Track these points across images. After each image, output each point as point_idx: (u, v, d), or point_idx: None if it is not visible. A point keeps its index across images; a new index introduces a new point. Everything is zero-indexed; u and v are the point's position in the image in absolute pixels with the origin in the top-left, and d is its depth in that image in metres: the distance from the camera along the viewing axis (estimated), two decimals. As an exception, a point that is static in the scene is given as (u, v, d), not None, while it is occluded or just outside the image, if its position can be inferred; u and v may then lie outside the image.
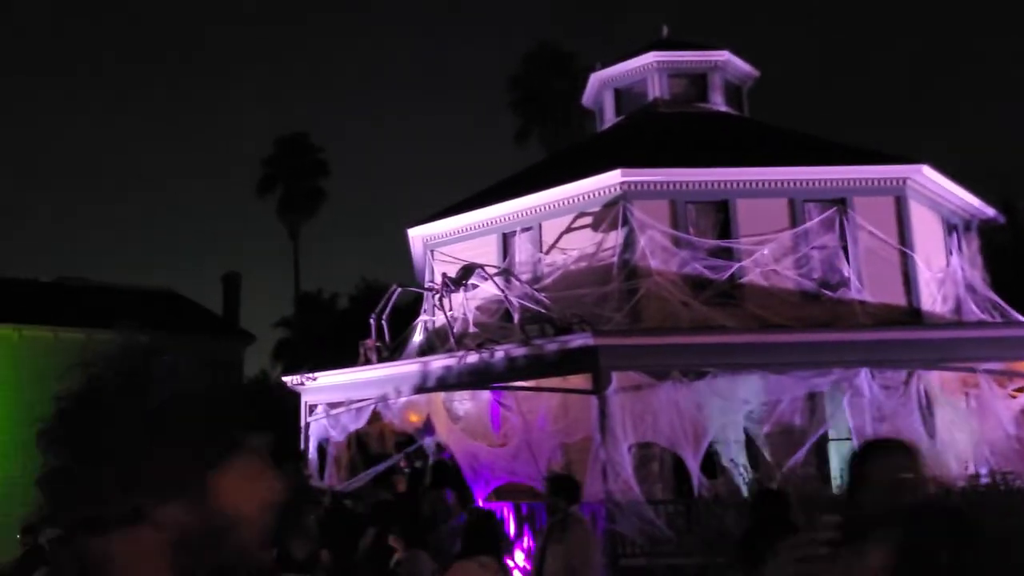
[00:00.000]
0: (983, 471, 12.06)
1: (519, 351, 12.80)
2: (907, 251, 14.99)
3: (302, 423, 16.01)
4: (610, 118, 19.40)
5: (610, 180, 14.74)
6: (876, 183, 15.11)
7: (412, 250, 18.14)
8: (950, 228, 16.62)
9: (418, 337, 17.16)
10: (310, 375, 15.56)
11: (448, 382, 13.71)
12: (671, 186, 14.84)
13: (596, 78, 19.51)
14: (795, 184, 14.95)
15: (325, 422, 15.67)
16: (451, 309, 14.55)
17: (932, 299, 15.23)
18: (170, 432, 1.63)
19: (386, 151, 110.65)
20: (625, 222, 14.57)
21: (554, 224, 15.63)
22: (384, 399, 14.64)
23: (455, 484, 14.49)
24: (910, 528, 2.45)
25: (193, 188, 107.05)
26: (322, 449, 16.06)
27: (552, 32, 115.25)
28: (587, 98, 20.47)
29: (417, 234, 17.60)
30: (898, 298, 14.94)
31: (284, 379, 16.28)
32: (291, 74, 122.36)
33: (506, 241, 16.36)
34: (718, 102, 18.70)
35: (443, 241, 17.26)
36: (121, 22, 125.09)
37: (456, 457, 14.00)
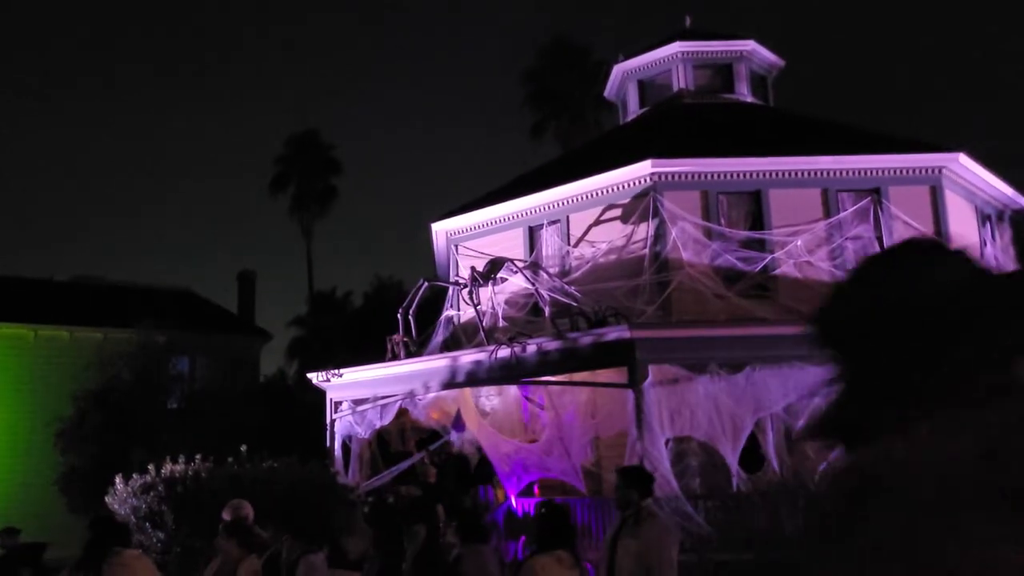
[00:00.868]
0: None
1: (552, 345, 12.57)
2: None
3: (327, 420, 15.81)
4: (634, 110, 19.15)
5: (640, 171, 14.49)
6: (911, 172, 14.84)
7: (435, 245, 17.90)
8: (983, 218, 16.33)
9: (441, 333, 16.94)
10: (336, 371, 15.35)
11: (478, 377, 13.49)
12: (702, 176, 14.58)
13: (619, 69, 19.26)
14: (829, 173, 14.68)
15: (351, 419, 15.47)
16: (479, 303, 14.31)
17: (968, 290, 14.93)
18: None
19: (399, 149, 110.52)
20: (656, 213, 14.32)
21: (582, 216, 15.39)
22: (412, 395, 14.43)
23: (479, 478, 14.31)
24: None
25: (207, 188, 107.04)
26: (345, 446, 15.87)
27: (566, 27, 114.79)
28: (610, 90, 20.22)
29: (441, 228, 17.37)
30: (934, 289, 14.63)
31: (309, 376, 16.07)
32: (305, 71, 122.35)
33: (532, 234, 16.13)
34: (744, 93, 18.43)
35: (467, 235, 17.03)
36: (136, 22, 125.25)
37: (487, 453, 13.79)
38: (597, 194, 15.15)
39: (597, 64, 32.66)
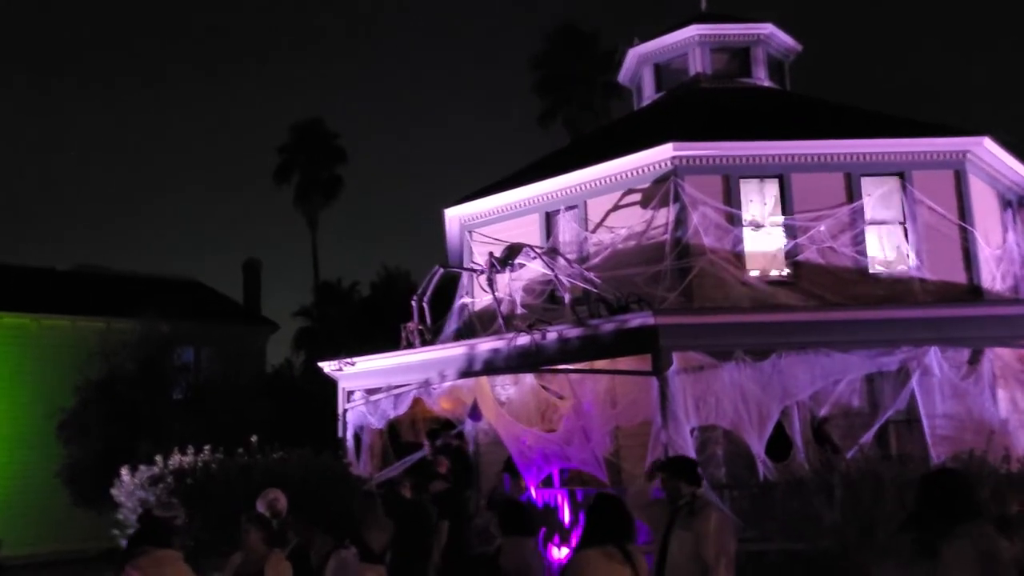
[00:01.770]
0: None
1: (573, 332, 12.29)
2: (967, 227, 14.44)
3: (339, 410, 15.54)
4: (649, 95, 18.83)
5: (660, 155, 14.19)
6: (935, 156, 14.55)
7: (447, 232, 17.60)
8: (1005, 203, 16.08)
9: (456, 321, 16.67)
10: (349, 360, 15.07)
11: (496, 365, 13.21)
12: (724, 160, 14.29)
13: (634, 53, 18.93)
14: (852, 158, 14.39)
15: (363, 409, 15.19)
16: (496, 290, 14.02)
17: (992, 277, 14.69)
18: None
19: (406, 139, 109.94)
20: (676, 198, 14.03)
21: (600, 202, 15.10)
22: (427, 384, 14.15)
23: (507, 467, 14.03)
24: None
25: (214, 177, 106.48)
26: (356, 437, 15.60)
27: (576, 12, 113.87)
28: (624, 75, 19.89)
29: (454, 214, 17.07)
30: (958, 275, 14.39)
31: (320, 364, 15.79)
32: (309, 59, 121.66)
33: (549, 220, 15.84)
34: (761, 77, 18.12)
35: (482, 221, 16.73)
36: (139, 10, 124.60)
37: (505, 442, 13.52)
38: (616, 179, 14.85)
39: (607, 51, 32.34)
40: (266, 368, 28.13)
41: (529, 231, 15.70)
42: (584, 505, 12.12)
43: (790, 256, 14.06)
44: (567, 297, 13.10)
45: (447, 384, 14.06)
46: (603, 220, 14.97)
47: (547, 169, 16.09)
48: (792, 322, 11.93)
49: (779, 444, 11.74)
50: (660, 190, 14.27)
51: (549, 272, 13.71)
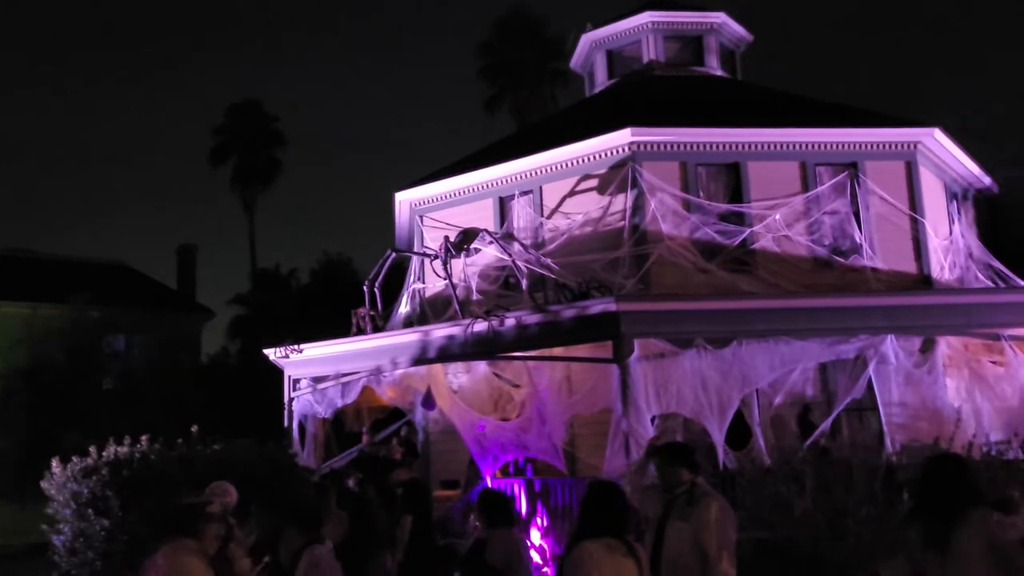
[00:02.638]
0: (999, 438, 11.77)
1: (532, 319, 12.02)
2: (918, 217, 14.60)
3: (285, 399, 15.02)
4: (602, 81, 18.64)
5: (618, 140, 13.99)
6: (887, 147, 14.67)
7: (397, 216, 17.15)
8: (951, 195, 16.33)
9: (405, 307, 16.26)
10: (296, 347, 14.55)
11: (451, 352, 12.88)
12: (682, 147, 14.16)
13: (587, 39, 18.71)
14: (807, 147, 14.42)
15: (310, 397, 14.70)
16: (451, 275, 13.65)
17: (940, 267, 14.90)
18: None
19: (348, 123, 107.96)
20: (634, 184, 13.85)
21: (556, 187, 14.83)
22: (379, 371, 13.73)
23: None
24: None
25: (146, 159, 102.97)
26: (301, 427, 15.10)
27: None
28: (576, 60, 19.66)
29: (405, 198, 16.62)
30: (908, 265, 14.55)
31: (266, 352, 15.21)
32: (249, 39, 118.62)
33: (503, 205, 15.51)
34: (713, 66, 18.10)
35: (433, 206, 16.32)
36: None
37: (460, 432, 13.19)
38: (572, 164, 14.60)
39: (556, 37, 32.07)
40: (202, 357, 27.25)
41: (482, 216, 15.36)
42: (542, 495, 11.88)
43: (746, 244, 14.01)
44: (524, 283, 12.82)
45: (399, 372, 13.66)
46: (559, 206, 14.72)
47: (501, 153, 15.77)
48: (753, 309, 11.87)
49: (738, 432, 11.67)
50: (618, 176, 14.08)
51: (505, 258, 13.40)
